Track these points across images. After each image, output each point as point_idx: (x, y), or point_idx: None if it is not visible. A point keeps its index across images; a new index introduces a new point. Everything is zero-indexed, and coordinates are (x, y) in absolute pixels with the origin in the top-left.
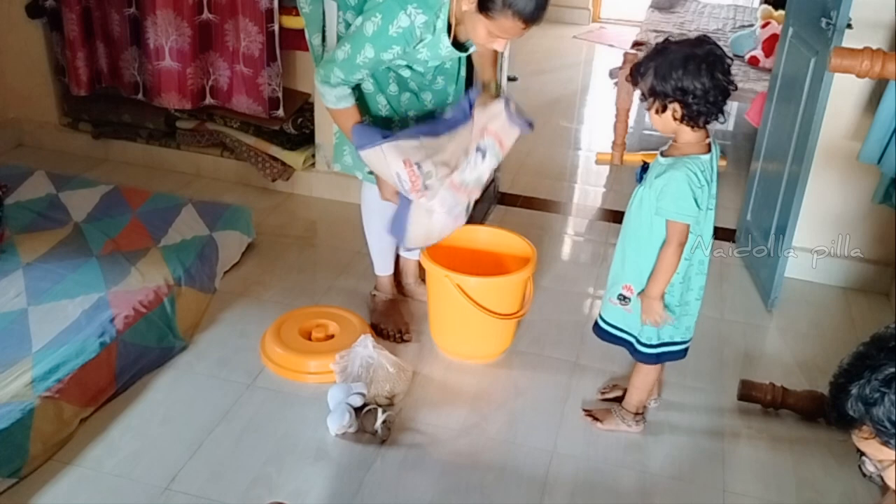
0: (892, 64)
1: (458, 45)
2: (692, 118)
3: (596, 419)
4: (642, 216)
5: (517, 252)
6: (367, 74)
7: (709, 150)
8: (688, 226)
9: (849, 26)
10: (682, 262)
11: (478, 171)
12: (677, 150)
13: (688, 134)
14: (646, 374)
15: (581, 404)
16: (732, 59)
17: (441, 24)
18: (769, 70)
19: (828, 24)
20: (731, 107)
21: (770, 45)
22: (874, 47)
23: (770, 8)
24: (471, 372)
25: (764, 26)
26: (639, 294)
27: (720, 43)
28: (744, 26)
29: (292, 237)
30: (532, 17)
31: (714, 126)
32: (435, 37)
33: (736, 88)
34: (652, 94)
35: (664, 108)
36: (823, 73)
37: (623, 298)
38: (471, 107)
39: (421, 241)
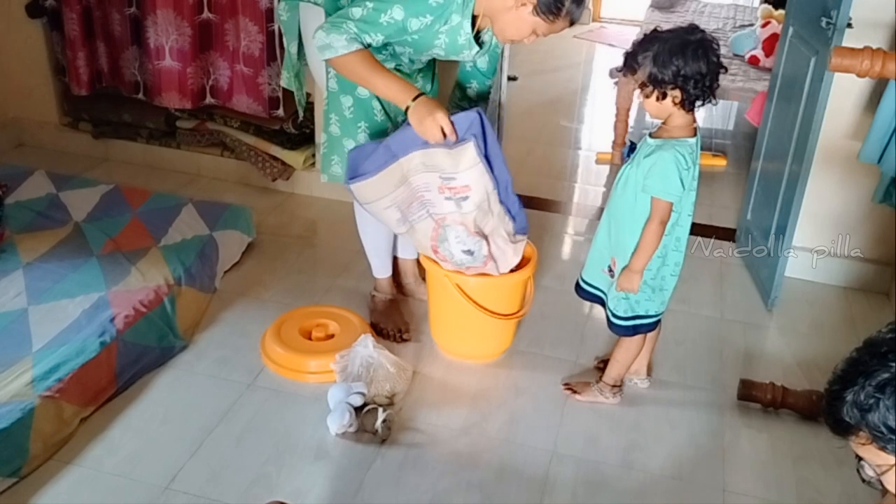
0: (892, 63)
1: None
2: (690, 102)
3: (575, 392)
4: (627, 193)
5: None
6: (381, 42)
7: (695, 134)
8: (671, 204)
9: (849, 26)
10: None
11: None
12: (666, 133)
13: (680, 118)
14: (626, 349)
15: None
16: (719, 46)
17: (467, 11)
18: (769, 70)
19: (828, 23)
20: (731, 107)
21: (770, 44)
22: (874, 47)
23: (770, 7)
24: (471, 372)
25: (764, 26)
26: (623, 268)
27: (720, 43)
28: (744, 26)
29: (292, 237)
30: (577, 20)
31: (714, 126)
32: (458, 23)
33: (726, 71)
34: (652, 82)
35: (664, 96)
36: (823, 73)
37: (610, 270)
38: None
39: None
